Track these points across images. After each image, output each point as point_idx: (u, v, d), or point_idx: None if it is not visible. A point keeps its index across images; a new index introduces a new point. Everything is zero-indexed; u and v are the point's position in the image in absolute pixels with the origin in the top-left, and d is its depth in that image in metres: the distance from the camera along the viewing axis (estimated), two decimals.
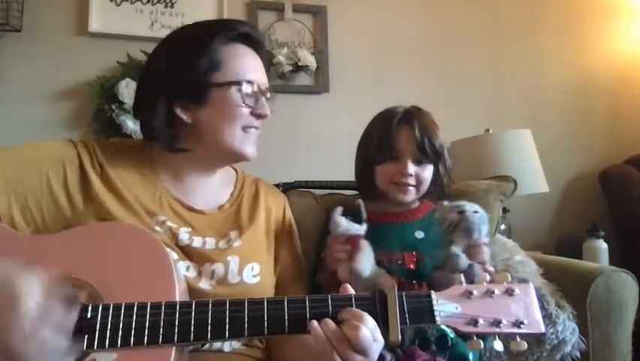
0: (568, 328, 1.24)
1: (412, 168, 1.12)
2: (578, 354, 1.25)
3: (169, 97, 0.92)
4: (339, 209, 1.04)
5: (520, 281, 0.85)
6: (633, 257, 2.00)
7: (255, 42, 0.99)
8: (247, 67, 0.95)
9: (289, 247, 1.08)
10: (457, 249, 0.99)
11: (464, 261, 0.97)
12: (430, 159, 1.13)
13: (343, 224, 1.01)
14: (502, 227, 1.88)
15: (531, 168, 1.94)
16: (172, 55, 0.94)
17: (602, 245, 1.82)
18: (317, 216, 1.23)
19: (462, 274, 0.84)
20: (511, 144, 1.95)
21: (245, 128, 0.95)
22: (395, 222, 1.16)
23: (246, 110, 0.93)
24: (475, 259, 0.99)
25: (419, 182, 1.13)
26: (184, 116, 0.92)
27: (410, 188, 1.13)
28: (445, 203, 1.07)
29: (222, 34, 0.94)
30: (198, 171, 0.99)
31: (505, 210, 1.93)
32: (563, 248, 2.10)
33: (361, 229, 1.03)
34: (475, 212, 1.02)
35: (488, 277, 0.79)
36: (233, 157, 0.98)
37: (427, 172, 1.14)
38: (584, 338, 1.26)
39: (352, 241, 1.02)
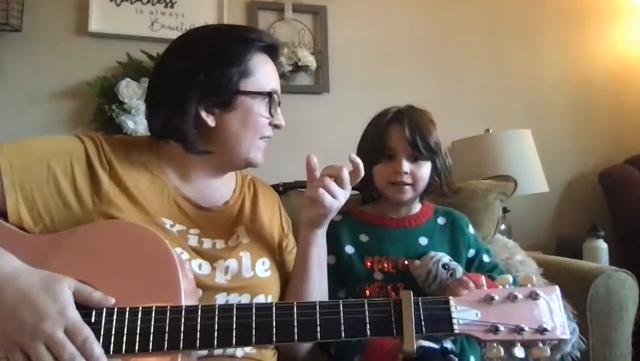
0: (568, 328, 1.24)
1: (406, 166, 1.11)
2: (578, 354, 1.25)
3: (198, 99, 0.92)
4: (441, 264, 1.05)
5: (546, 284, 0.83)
6: (633, 257, 1.99)
7: (277, 53, 1.02)
8: (272, 77, 0.98)
9: (290, 241, 1.10)
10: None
11: (460, 272, 1.05)
12: (424, 156, 1.12)
13: (443, 279, 1.03)
14: (502, 227, 1.87)
15: (531, 168, 1.94)
16: (202, 57, 0.93)
17: (602, 245, 1.82)
18: None
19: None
20: (511, 144, 1.95)
21: (262, 138, 0.98)
22: (398, 228, 1.16)
23: (266, 121, 0.97)
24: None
25: (415, 180, 1.12)
26: (208, 119, 0.93)
27: (406, 187, 1.12)
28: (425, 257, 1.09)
29: (256, 43, 0.96)
30: (207, 172, 0.99)
31: (505, 210, 1.93)
32: (562, 248, 2.10)
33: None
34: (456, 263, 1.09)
35: (511, 279, 0.77)
36: (246, 164, 1.00)
37: (423, 170, 1.13)
38: (584, 338, 1.26)
39: None
